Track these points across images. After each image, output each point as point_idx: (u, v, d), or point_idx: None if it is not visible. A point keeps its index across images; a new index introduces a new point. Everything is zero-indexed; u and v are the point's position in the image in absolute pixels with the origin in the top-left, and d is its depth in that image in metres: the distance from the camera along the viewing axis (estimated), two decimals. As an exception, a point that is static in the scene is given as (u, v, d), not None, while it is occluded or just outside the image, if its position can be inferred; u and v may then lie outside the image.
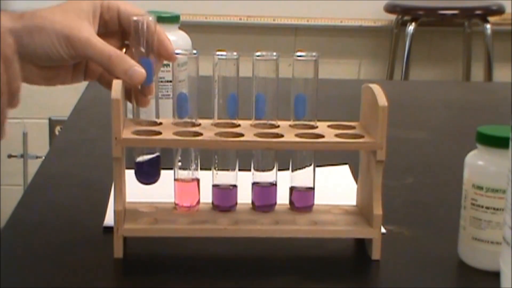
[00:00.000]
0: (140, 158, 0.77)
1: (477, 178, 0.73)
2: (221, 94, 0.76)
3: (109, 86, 0.79)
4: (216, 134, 0.75)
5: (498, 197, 0.71)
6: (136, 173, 0.77)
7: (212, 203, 0.78)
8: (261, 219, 0.77)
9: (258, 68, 0.76)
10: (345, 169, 0.99)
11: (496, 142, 0.72)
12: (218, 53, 0.76)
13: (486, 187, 0.72)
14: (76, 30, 0.75)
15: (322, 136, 0.76)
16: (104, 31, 0.78)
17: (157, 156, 0.77)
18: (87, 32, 0.76)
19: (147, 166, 0.77)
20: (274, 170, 0.78)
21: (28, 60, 0.76)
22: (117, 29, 0.80)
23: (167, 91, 0.98)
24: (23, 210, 0.85)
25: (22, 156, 2.78)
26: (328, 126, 0.78)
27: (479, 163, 0.73)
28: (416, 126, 1.25)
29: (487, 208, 0.72)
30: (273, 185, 0.78)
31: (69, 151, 1.06)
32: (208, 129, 0.76)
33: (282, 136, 0.75)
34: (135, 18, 0.76)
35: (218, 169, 0.77)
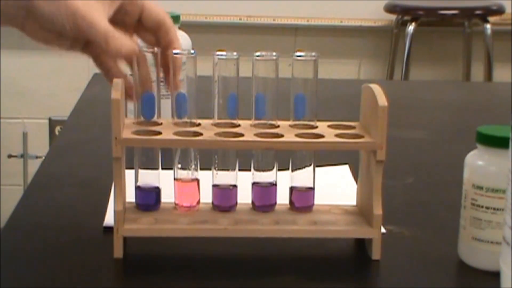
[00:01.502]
0: (142, 184, 0.77)
1: (477, 178, 0.73)
2: (221, 94, 0.76)
3: (102, 66, 0.82)
4: (216, 134, 0.75)
5: (498, 197, 0.71)
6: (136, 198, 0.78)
7: (212, 203, 0.78)
8: (261, 219, 0.77)
9: (258, 68, 0.76)
10: (345, 169, 0.99)
11: (496, 142, 0.72)
12: (218, 53, 0.76)
13: (486, 187, 0.72)
14: (85, 9, 0.75)
15: (322, 136, 0.76)
16: (120, 21, 0.79)
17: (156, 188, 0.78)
18: (96, 14, 0.76)
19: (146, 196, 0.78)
20: (274, 170, 0.78)
21: (33, 19, 0.76)
22: (132, 23, 0.80)
23: (167, 91, 0.98)
24: (23, 210, 0.85)
25: (22, 156, 2.78)
26: (328, 126, 0.78)
27: (479, 163, 0.73)
28: (416, 126, 1.25)
29: (487, 208, 0.72)
30: (273, 185, 0.78)
31: (69, 151, 1.06)
32: (208, 129, 0.76)
33: (282, 136, 0.75)
34: (145, 48, 0.77)
35: (218, 169, 0.77)
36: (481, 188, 0.72)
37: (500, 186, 0.71)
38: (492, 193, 0.72)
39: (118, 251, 0.73)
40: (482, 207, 0.72)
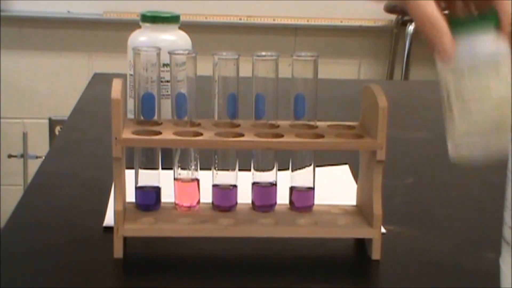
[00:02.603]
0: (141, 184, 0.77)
1: None
2: (221, 94, 0.76)
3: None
4: (216, 134, 0.75)
5: None
6: (136, 198, 0.78)
7: (212, 203, 0.78)
8: (261, 219, 0.77)
9: (258, 68, 0.77)
10: (345, 169, 0.99)
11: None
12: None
13: None
14: None
15: (322, 136, 0.76)
16: None
17: (157, 188, 0.78)
18: None
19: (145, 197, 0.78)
20: (274, 170, 0.78)
21: None
22: None
23: (167, 91, 0.98)
24: (23, 210, 0.85)
25: (22, 156, 2.78)
26: (328, 126, 0.78)
27: None
28: (416, 126, 1.25)
29: None
30: (273, 185, 0.78)
31: (69, 151, 1.06)
32: (208, 129, 0.76)
33: (282, 136, 0.75)
34: (145, 48, 0.76)
35: (218, 169, 0.77)
36: None
37: None
38: None
39: (118, 251, 0.73)
40: None
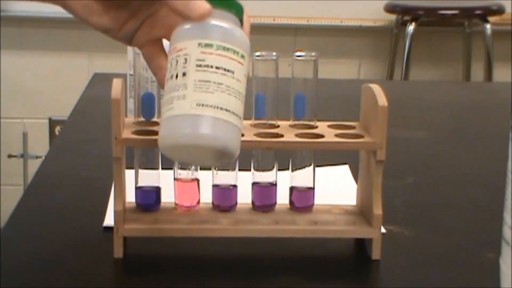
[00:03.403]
0: (142, 184, 0.77)
1: None
2: (221, 94, 0.76)
3: (150, 57, 0.72)
4: (216, 134, 0.75)
5: None
6: (136, 198, 0.78)
7: (212, 203, 0.78)
8: (261, 219, 0.77)
9: (258, 68, 0.77)
10: (345, 169, 0.99)
11: None
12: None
13: None
14: None
15: (322, 136, 0.76)
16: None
17: (157, 188, 0.78)
18: None
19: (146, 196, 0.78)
20: (274, 170, 0.78)
21: None
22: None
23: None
24: (23, 210, 0.85)
25: (22, 156, 2.78)
26: (328, 126, 0.78)
27: None
28: (416, 126, 1.25)
29: None
30: (273, 185, 0.78)
31: (69, 151, 1.06)
32: (208, 129, 0.75)
33: (282, 136, 0.75)
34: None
35: (218, 169, 0.77)
36: None
37: None
38: None
39: (118, 251, 0.73)
40: None
